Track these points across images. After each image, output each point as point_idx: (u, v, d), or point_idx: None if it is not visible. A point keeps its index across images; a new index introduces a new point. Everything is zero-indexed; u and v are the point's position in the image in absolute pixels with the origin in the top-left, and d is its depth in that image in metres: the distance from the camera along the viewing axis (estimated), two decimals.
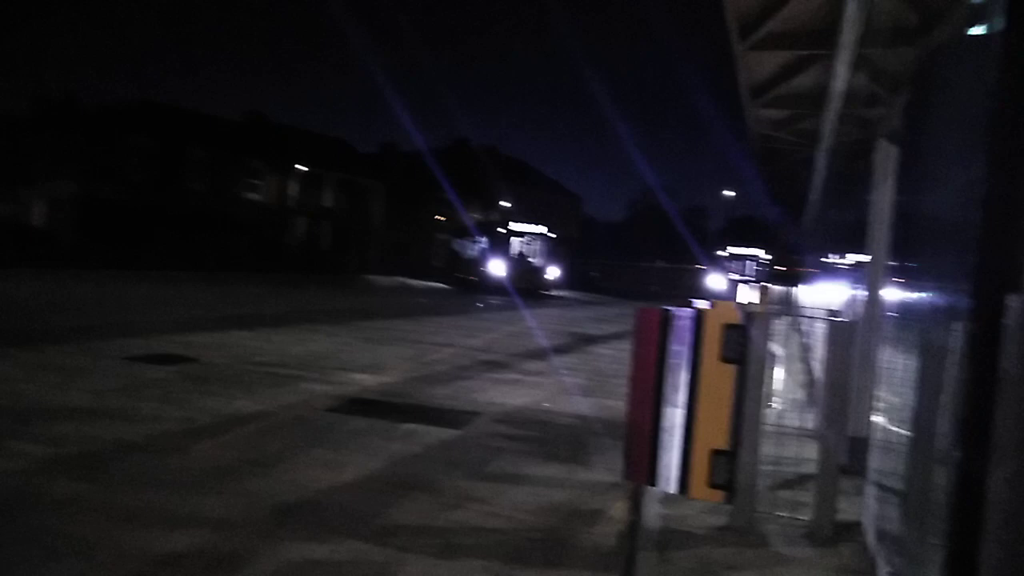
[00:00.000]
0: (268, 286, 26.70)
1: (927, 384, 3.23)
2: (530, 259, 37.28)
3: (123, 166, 37.56)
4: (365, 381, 9.15)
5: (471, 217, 43.34)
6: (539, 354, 13.61)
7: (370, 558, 3.96)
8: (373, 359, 11.04)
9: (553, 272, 38.03)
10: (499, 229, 36.85)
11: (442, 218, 55.39)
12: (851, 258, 13.30)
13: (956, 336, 2.67)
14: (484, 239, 37.00)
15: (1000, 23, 1.99)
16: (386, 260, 49.36)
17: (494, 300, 30.01)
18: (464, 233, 40.63)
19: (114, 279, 23.34)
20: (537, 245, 37.93)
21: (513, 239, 36.88)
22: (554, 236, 38.68)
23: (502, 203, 60.20)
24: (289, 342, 12.20)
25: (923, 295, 3.97)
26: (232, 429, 6.40)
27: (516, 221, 38.56)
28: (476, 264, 37.15)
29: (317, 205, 48.26)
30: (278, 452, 5.78)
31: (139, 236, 35.07)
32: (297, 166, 45.74)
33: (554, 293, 38.21)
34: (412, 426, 6.96)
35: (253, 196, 44.42)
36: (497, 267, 35.12)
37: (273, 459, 5.58)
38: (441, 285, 40.40)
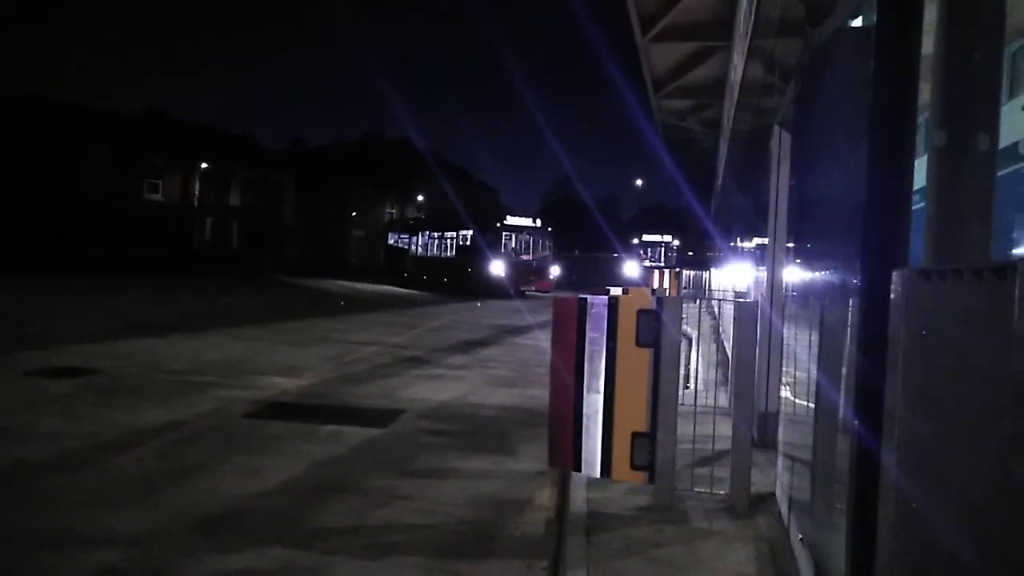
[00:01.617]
0: (175, 290, 25.61)
1: (827, 358, 3.43)
2: (524, 256, 32.53)
3: (7, 166, 35.17)
4: (284, 384, 8.94)
5: (452, 211, 36.30)
6: (461, 348, 13.61)
7: (298, 563, 3.89)
8: (291, 361, 10.79)
9: (551, 270, 33.37)
10: (496, 223, 31.80)
11: (392, 212, 53.76)
12: (755, 241, 13.90)
13: (851, 311, 2.85)
14: (469, 234, 32.18)
15: (872, 17, 2.13)
16: (304, 259, 48.10)
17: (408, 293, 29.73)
18: (441, 227, 36.04)
19: (4, 288, 21.87)
20: (530, 240, 33.07)
21: (505, 233, 32.05)
22: (549, 229, 33.86)
23: (418, 196, 59.73)
24: (202, 348, 11.77)
25: (820, 274, 4.21)
26: (145, 442, 6.14)
27: (509, 214, 33.51)
28: (462, 263, 32.23)
29: (225, 204, 46.58)
30: (195, 462, 5.59)
31: (30, 242, 32.95)
32: (201, 163, 43.96)
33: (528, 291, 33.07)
34: (335, 427, 6.86)
35: (155, 196, 42.48)
36: (493, 266, 30.23)
37: (190, 470, 5.39)
38: (390, 287, 34.64)
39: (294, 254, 49.25)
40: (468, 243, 31.99)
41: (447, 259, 34.26)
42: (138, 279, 29.87)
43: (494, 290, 29.35)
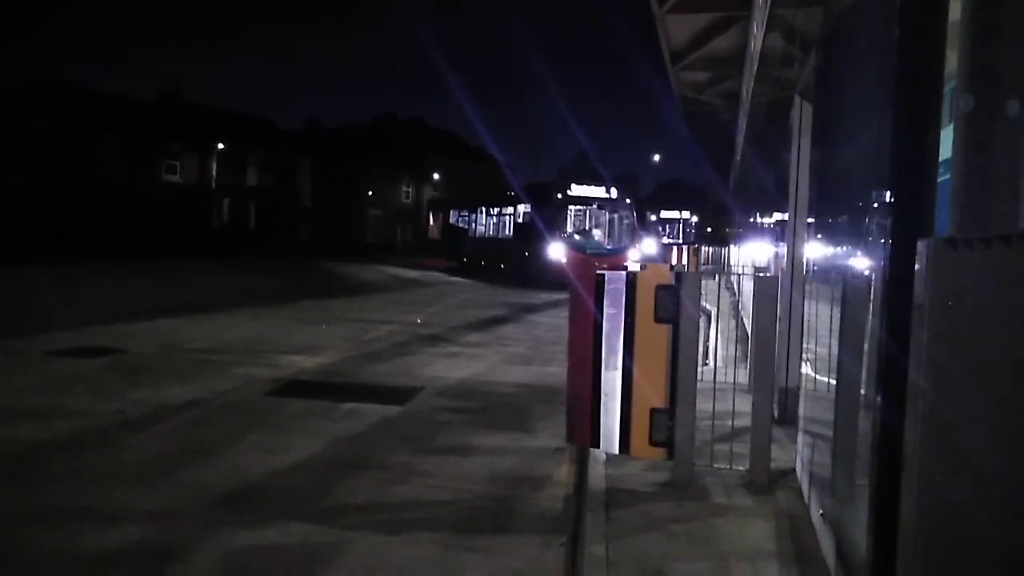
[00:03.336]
0: (195, 272, 25.86)
1: (849, 333, 3.38)
2: (597, 236, 25.06)
3: (29, 154, 35.48)
4: (303, 363, 9.01)
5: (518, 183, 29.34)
6: (477, 326, 13.62)
7: (318, 539, 3.94)
8: (310, 340, 10.87)
9: (630, 254, 23.97)
10: (557, 194, 24.50)
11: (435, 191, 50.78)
12: (775, 216, 13.73)
13: (874, 284, 2.80)
14: (523, 209, 25.81)
15: None
16: (322, 239, 48.18)
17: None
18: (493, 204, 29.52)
19: (29, 273, 22.18)
20: (605, 215, 25.44)
21: (572, 207, 24.82)
22: (628, 200, 25.67)
23: (434, 175, 59.62)
24: (221, 327, 11.88)
25: (842, 248, 4.14)
26: (167, 419, 6.22)
27: (573, 182, 25.50)
28: (519, 247, 25.66)
29: (242, 185, 46.76)
30: (216, 440, 5.65)
31: (52, 226, 33.28)
32: (218, 145, 44.08)
33: None
34: (354, 405, 6.90)
35: (173, 179, 42.71)
36: (553, 249, 23.14)
37: (211, 447, 5.46)
38: (442, 275, 29.47)
39: (311, 234, 49.42)
40: (523, 221, 25.93)
41: (503, 241, 28.20)
42: (158, 261, 30.19)
43: (557, 281, 20.92)
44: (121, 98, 41.95)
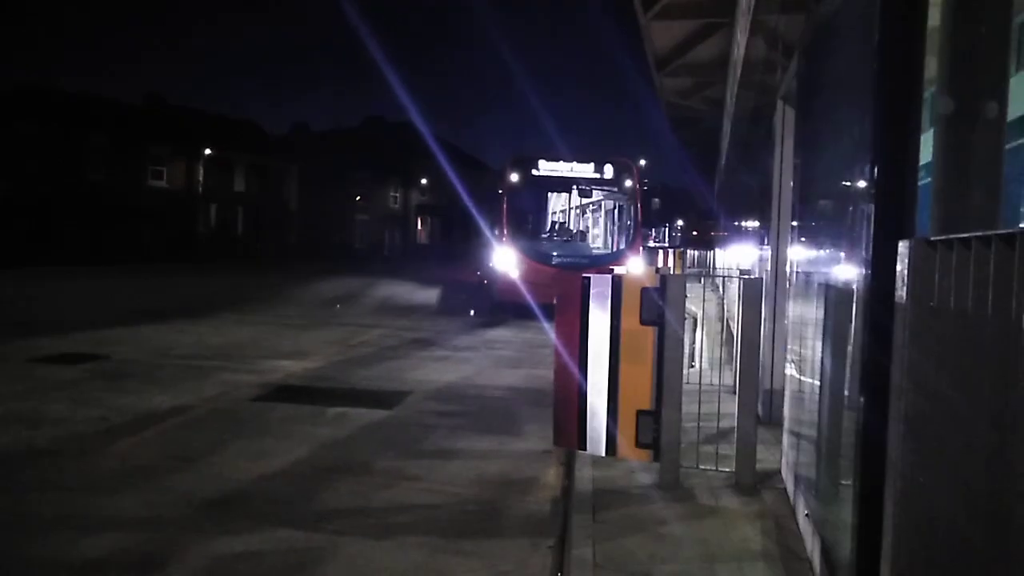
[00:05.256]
0: (181, 277, 25.66)
1: (832, 334, 3.41)
2: (579, 239, 17.66)
3: (12, 157, 35.08)
4: (290, 368, 8.96)
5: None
6: (465, 329, 13.60)
7: (305, 545, 3.91)
8: (297, 345, 10.81)
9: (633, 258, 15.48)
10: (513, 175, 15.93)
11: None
12: (759, 219, 13.81)
13: (856, 285, 2.83)
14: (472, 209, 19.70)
15: None
16: (308, 244, 47.98)
17: None
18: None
19: (12, 278, 21.93)
20: (592, 207, 18.67)
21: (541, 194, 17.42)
22: (636, 184, 16.30)
23: (422, 180, 59.50)
24: (207, 332, 11.80)
25: (824, 250, 4.18)
26: (151, 426, 6.17)
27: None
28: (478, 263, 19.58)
29: (228, 190, 46.46)
30: (201, 446, 5.61)
31: (37, 231, 32.97)
32: (205, 150, 43.80)
33: None
34: (341, 409, 6.87)
35: (159, 184, 42.36)
36: (508, 262, 15.26)
37: (196, 453, 5.41)
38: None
39: (298, 239, 49.17)
40: (474, 227, 19.76)
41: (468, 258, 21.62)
42: (143, 266, 29.94)
43: (514, 306, 14.67)
44: (107, 101, 41.61)
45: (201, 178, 44.60)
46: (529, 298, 13.58)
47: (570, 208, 17.79)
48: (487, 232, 17.72)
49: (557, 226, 17.55)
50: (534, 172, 16.04)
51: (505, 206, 15.70)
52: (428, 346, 11.18)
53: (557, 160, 16.19)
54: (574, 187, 16.62)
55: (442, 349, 10.95)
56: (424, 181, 59.98)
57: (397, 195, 61.20)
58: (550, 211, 17.51)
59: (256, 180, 48.32)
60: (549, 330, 10.64)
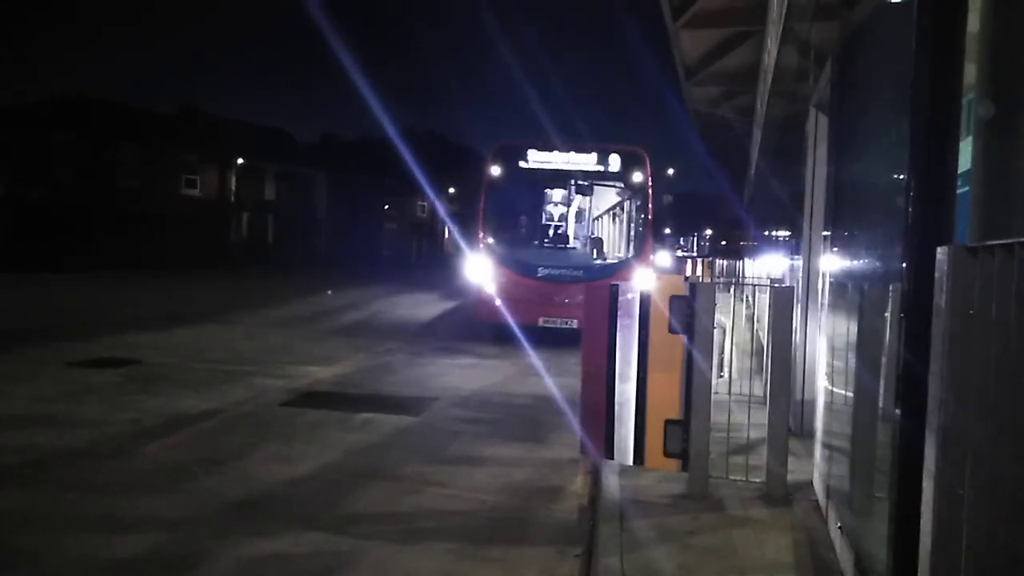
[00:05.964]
0: (213, 283, 26.04)
1: (866, 344, 3.36)
2: (573, 246, 14.38)
3: (50, 166, 35.96)
4: (318, 373, 9.04)
5: None
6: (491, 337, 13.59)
7: (331, 549, 3.93)
8: (325, 351, 10.90)
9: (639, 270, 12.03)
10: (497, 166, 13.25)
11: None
12: (790, 228, 13.61)
13: (891, 295, 2.78)
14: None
15: None
16: (336, 253, 48.46)
17: None
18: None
19: (49, 283, 22.43)
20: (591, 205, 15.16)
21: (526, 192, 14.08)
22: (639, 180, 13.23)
23: (450, 189, 59.83)
24: (238, 338, 11.95)
25: (859, 260, 4.11)
26: (182, 429, 6.26)
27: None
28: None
29: (259, 198, 47.11)
30: (231, 450, 5.67)
31: (73, 238, 33.70)
32: (237, 159, 44.50)
33: None
34: (368, 415, 6.91)
35: (191, 192, 43.10)
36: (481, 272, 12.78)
37: (226, 457, 5.48)
38: None
39: (327, 247, 49.66)
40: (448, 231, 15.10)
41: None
42: (177, 272, 30.44)
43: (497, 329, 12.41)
44: (142, 111, 42.48)
45: (233, 186, 45.28)
46: (509, 318, 11.48)
47: (567, 208, 14.16)
48: (459, 238, 14.28)
49: (548, 230, 14.09)
50: (522, 164, 13.05)
51: (482, 205, 12.98)
52: (454, 353, 11.20)
53: (551, 149, 13.17)
54: (571, 182, 13.56)
55: (469, 356, 10.97)
56: (452, 190, 60.32)
57: (425, 204, 61.57)
58: (541, 212, 14.11)
59: (286, 188, 48.94)
60: (534, 359, 9.37)
